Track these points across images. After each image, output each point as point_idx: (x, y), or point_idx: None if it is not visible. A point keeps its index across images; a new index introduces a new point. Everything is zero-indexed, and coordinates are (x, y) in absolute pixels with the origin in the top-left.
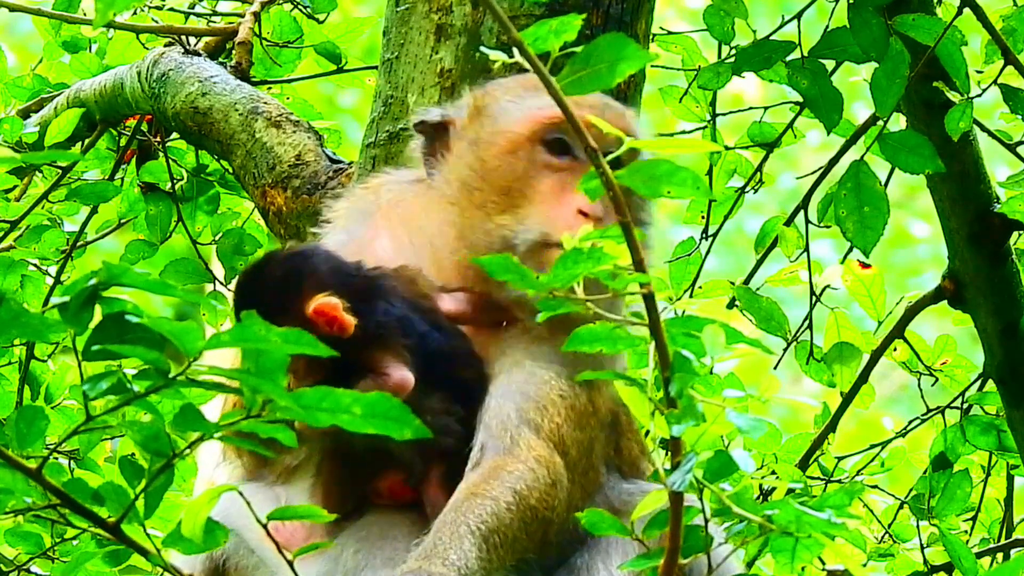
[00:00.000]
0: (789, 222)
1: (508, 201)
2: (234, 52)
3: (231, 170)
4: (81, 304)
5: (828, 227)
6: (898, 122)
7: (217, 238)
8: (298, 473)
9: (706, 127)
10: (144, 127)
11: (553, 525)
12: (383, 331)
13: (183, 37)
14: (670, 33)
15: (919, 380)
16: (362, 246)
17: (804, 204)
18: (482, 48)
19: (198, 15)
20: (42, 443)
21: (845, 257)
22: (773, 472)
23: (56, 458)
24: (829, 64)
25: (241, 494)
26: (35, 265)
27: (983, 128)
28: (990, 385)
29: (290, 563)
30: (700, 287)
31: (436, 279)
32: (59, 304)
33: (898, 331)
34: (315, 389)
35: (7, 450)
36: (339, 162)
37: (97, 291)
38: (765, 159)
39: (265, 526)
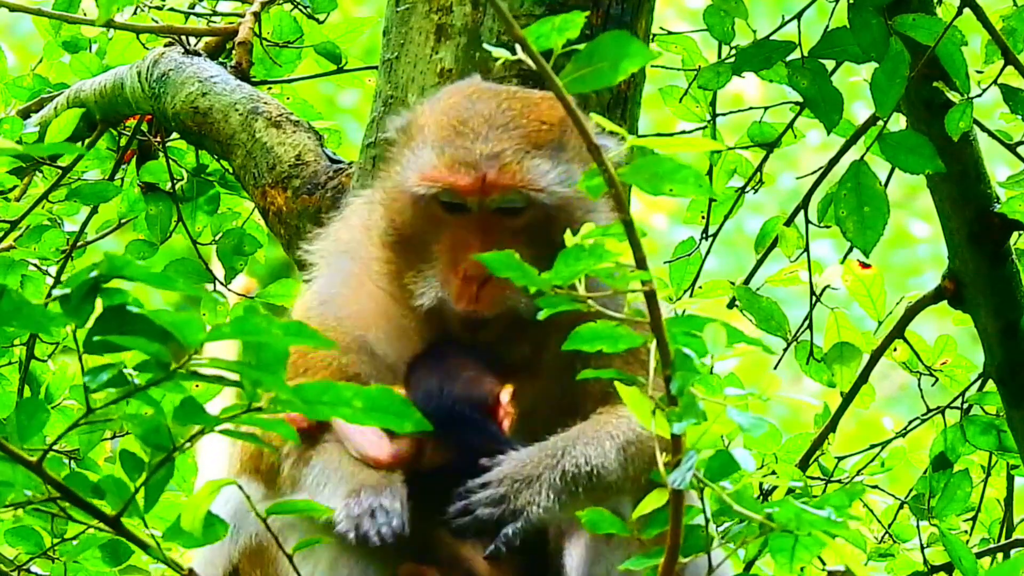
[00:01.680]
0: (789, 222)
1: (415, 257)
2: (234, 52)
3: (231, 170)
4: (82, 296)
5: (828, 227)
6: (898, 122)
7: (217, 238)
8: None
9: (706, 127)
10: (144, 127)
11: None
12: None
13: (183, 37)
14: (670, 33)
15: (919, 380)
16: (345, 303)
17: (804, 204)
18: (484, 46)
19: (198, 15)
20: (42, 438)
21: (845, 257)
22: (773, 472)
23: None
24: (829, 64)
25: (241, 488)
26: (35, 265)
27: (983, 128)
28: (990, 385)
29: (289, 557)
30: (700, 287)
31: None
32: (60, 296)
33: (898, 331)
34: (316, 382)
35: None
36: (339, 162)
37: (98, 283)
38: (765, 159)
39: (264, 520)
